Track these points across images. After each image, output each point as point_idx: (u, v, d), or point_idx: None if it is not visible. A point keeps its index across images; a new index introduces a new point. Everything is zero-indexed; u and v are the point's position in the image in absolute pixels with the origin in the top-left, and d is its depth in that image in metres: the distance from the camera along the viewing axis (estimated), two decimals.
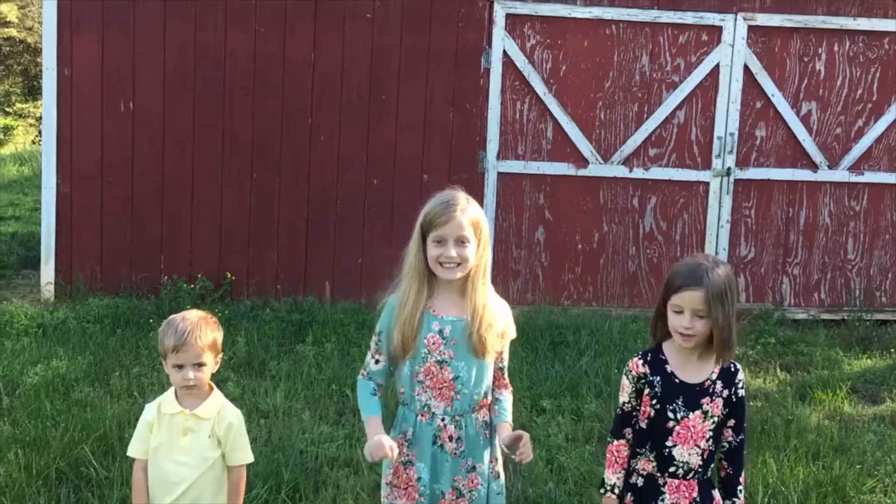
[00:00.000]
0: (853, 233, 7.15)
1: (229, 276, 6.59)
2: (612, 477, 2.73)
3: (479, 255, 2.73)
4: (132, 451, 2.78)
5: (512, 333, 2.84)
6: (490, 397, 2.83)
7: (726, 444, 2.72)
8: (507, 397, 2.88)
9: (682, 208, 7.00)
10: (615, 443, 2.74)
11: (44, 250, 6.54)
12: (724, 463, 2.73)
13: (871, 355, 6.18)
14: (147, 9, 6.41)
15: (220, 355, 2.77)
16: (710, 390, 2.66)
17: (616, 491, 2.73)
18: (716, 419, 2.67)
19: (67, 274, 6.51)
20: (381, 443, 2.57)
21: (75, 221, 6.51)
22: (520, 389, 5.08)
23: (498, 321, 2.77)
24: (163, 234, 6.59)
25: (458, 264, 2.68)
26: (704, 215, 7.00)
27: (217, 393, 2.78)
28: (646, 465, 2.70)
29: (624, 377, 2.75)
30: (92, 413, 4.38)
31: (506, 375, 2.90)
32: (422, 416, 2.74)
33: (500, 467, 2.88)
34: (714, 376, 2.68)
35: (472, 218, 2.71)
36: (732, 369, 2.70)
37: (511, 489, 3.92)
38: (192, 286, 6.42)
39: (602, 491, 2.76)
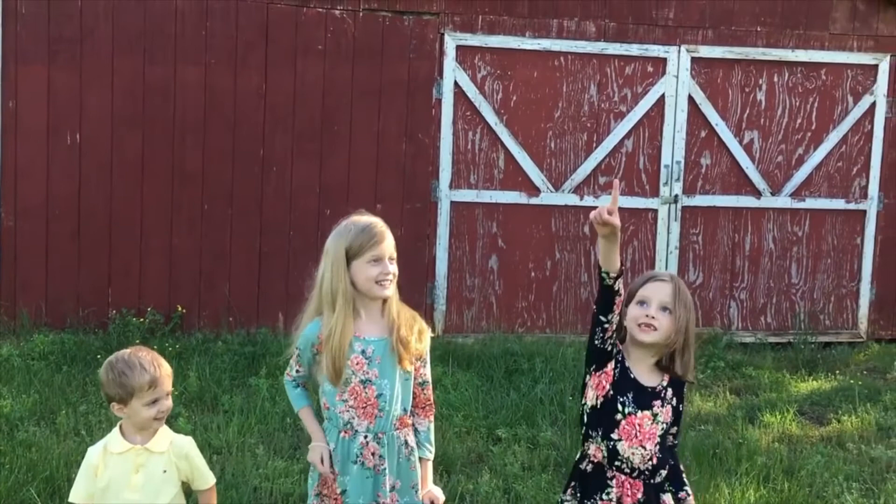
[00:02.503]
0: (796, 257, 7.35)
1: (180, 308, 6.50)
2: None
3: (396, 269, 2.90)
4: (77, 496, 2.70)
5: (427, 330, 2.92)
6: (410, 416, 2.89)
7: (669, 443, 2.79)
8: (427, 427, 2.94)
9: (631, 235, 7.12)
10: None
11: None
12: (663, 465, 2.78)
13: (817, 377, 6.34)
14: (95, 41, 6.34)
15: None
16: (662, 395, 2.69)
17: None
18: (664, 425, 2.70)
19: (11, 309, 6.34)
20: (315, 462, 2.83)
21: (20, 255, 6.37)
22: (475, 419, 5.09)
23: (413, 321, 2.87)
24: (111, 268, 6.48)
25: (392, 281, 2.84)
26: (654, 241, 7.14)
27: (164, 427, 2.77)
28: (596, 452, 2.70)
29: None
30: (38, 453, 4.26)
31: (428, 392, 2.94)
32: (344, 433, 2.82)
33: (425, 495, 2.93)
34: (665, 383, 2.71)
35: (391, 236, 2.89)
36: (681, 382, 2.74)
37: None
38: (142, 320, 6.31)
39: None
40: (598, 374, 2.68)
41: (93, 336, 6.19)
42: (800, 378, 6.30)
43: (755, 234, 7.27)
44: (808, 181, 7.30)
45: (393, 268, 2.83)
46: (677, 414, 2.75)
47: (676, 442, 2.82)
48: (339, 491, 2.82)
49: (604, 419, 2.66)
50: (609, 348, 2.66)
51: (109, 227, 6.45)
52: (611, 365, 2.67)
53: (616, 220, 2.48)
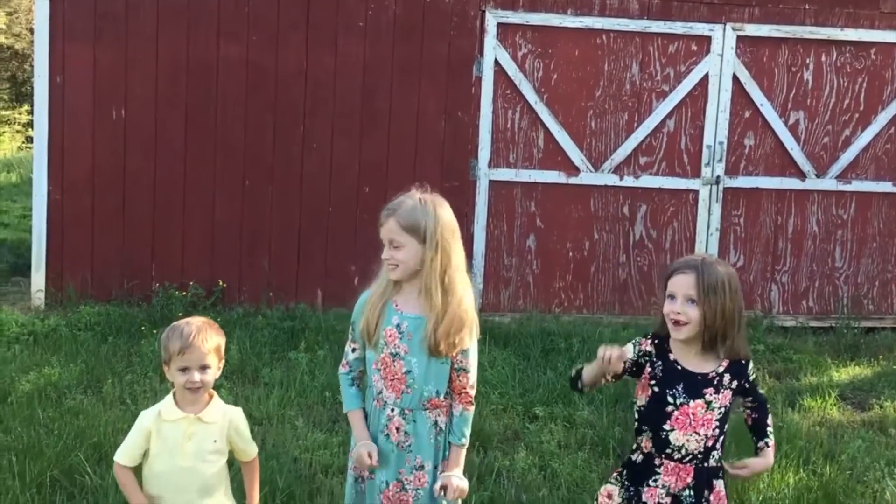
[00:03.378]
0: (841, 241, 7.23)
1: (221, 283, 6.59)
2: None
3: (429, 258, 2.76)
4: (125, 458, 2.72)
5: (469, 340, 2.81)
6: (444, 399, 2.84)
7: (749, 410, 2.82)
8: (460, 412, 2.85)
9: (671, 216, 7.05)
10: None
11: (35, 257, 6.52)
12: (749, 411, 2.82)
13: (859, 362, 6.24)
14: (140, 18, 6.41)
15: (223, 362, 2.80)
16: (716, 382, 2.67)
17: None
18: (723, 409, 2.67)
19: (58, 281, 6.49)
20: (361, 455, 2.76)
21: (66, 228, 6.50)
22: (512, 396, 5.11)
23: (457, 327, 2.77)
24: (154, 242, 6.59)
25: (396, 266, 2.78)
26: (694, 223, 7.06)
27: (217, 398, 2.81)
28: (646, 443, 2.72)
29: (630, 344, 2.76)
30: (85, 420, 4.37)
31: (466, 380, 2.84)
32: (376, 401, 2.84)
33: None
34: (721, 369, 2.69)
35: (406, 223, 2.76)
36: (743, 362, 2.71)
37: (504, 495, 3.94)
38: (184, 293, 6.42)
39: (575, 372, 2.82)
40: (638, 380, 2.75)
41: (137, 308, 6.32)
42: (841, 363, 6.22)
43: (798, 217, 7.16)
44: (855, 163, 7.16)
45: (393, 253, 2.77)
46: (745, 391, 2.74)
47: (762, 403, 2.81)
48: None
49: (654, 414, 2.68)
50: (634, 368, 2.73)
51: (153, 201, 6.56)
52: (647, 370, 2.71)
53: (619, 369, 2.61)
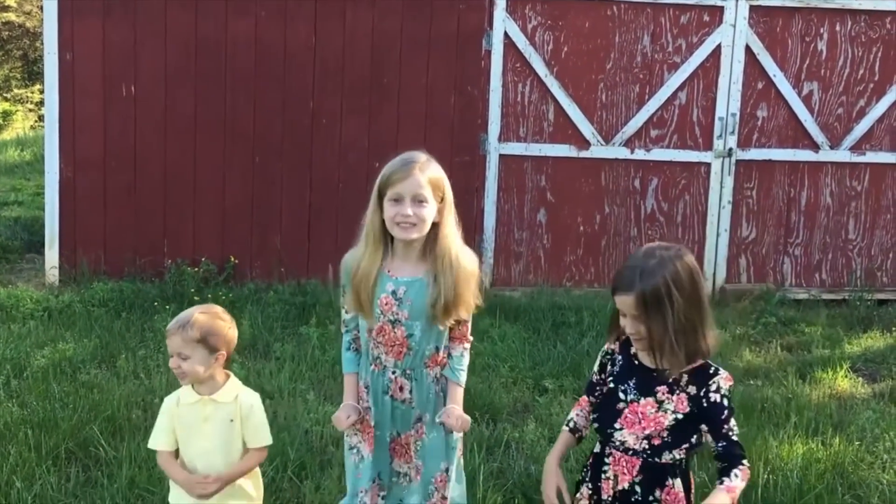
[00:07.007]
0: (854, 213, 7.17)
1: (233, 259, 6.63)
2: (573, 414, 2.69)
3: (441, 216, 2.71)
4: (159, 443, 2.75)
5: (473, 302, 2.79)
6: (444, 352, 2.84)
7: (712, 448, 2.43)
8: (460, 352, 2.85)
9: (683, 189, 7.01)
10: (582, 398, 2.72)
11: (48, 235, 6.57)
12: (717, 462, 2.43)
13: (872, 335, 6.22)
14: None
15: (222, 353, 2.70)
16: (671, 381, 2.44)
17: (570, 425, 2.66)
18: (678, 416, 2.43)
19: (72, 258, 6.54)
20: (339, 416, 2.80)
21: (79, 206, 6.54)
22: (522, 370, 5.13)
23: (462, 298, 2.73)
24: (166, 219, 6.62)
25: (414, 224, 2.65)
26: (706, 196, 7.02)
27: (234, 380, 2.81)
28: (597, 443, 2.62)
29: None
30: (99, 394, 4.43)
31: (466, 328, 2.85)
32: (375, 366, 2.82)
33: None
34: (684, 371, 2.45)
35: (432, 177, 2.68)
36: (711, 371, 2.45)
37: (513, 466, 3.97)
38: (196, 270, 6.46)
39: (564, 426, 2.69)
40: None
41: (150, 285, 6.37)
42: (854, 335, 6.19)
43: (812, 189, 7.10)
44: (870, 134, 7.08)
45: (416, 210, 2.62)
46: (703, 409, 2.41)
47: (724, 445, 2.39)
48: (372, 424, 2.83)
49: (605, 412, 2.54)
50: (602, 376, 2.64)
51: (164, 178, 6.58)
52: (608, 367, 2.61)
53: None
